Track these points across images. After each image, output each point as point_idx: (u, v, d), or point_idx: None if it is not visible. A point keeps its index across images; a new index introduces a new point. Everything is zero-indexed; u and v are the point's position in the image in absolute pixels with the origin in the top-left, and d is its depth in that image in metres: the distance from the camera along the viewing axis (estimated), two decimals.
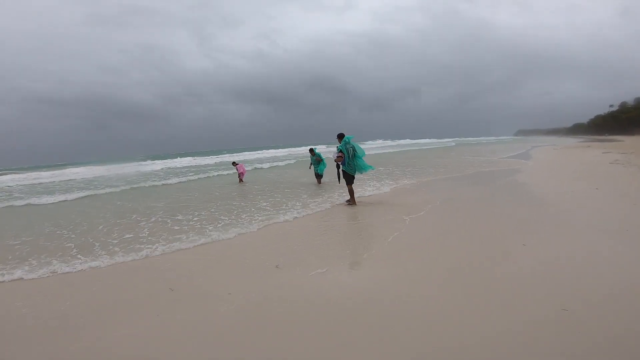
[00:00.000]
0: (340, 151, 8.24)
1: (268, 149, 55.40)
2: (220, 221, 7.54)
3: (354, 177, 8.44)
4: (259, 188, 12.45)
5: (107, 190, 14.26)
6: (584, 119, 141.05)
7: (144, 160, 39.93)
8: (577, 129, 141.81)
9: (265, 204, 9.22)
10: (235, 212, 8.39)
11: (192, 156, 45.45)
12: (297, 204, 8.95)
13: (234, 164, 14.90)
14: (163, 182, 15.98)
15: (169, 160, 34.80)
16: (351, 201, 8.42)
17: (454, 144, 60.16)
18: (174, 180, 16.44)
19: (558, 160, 19.96)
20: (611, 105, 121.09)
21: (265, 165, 23.72)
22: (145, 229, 7.22)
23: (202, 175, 17.63)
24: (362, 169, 8.28)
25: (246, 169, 15.39)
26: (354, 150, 8.14)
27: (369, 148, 46.70)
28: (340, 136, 8.47)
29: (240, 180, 13.98)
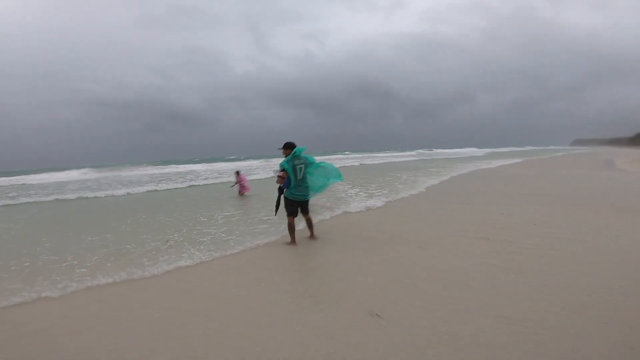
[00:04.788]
0: (283, 169, 4.80)
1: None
2: None
3: (301, 204, 5.02)
4: None
5: None
6: None
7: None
8: None
9: None
10: None
11: (235, 161, 42.55)
12: None
13: (237, 173, 11.26)
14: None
15: (215, 164, 32.20)
16: (291, 240, 5.05)
17: (562, 152, 49.52)
18: None
19: None
20: None
21: None
22: None
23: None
24: (321, 186, 4.98)
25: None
26: (306, 167, 4.94)
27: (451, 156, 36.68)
28: (288, 147, 5.00)
29: (242, 193, 10.58)
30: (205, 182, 15.88)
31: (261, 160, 38.44)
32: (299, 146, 5.03)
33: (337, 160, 34.31)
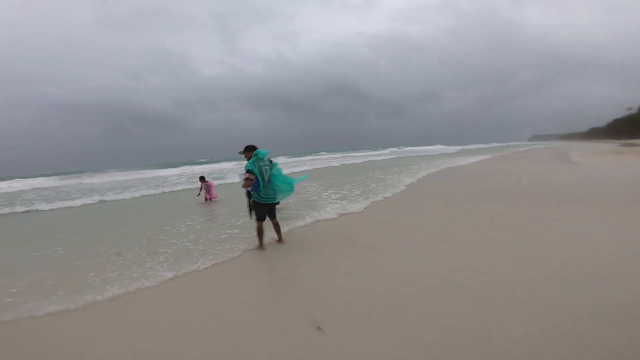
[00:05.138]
0: (250, 171, 4.55)
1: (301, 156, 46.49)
2: None
3: (269, 206, 4.84)
4: None
5: None
6: (602, 122, 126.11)
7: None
8: (594, 134, 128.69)
9: None
10: None
11: (206, 164, 40.89)
12: None
13: (202, 179, 10.29)
14: None
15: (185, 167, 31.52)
16: (259, 245, 4.83)
17: (524, 148, 52.93)
18: None
19: None
20: (629, 108, 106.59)
21: None
22: None
23: None
24: (285, 191, 4.91)
25: None
26: (271, 169, 4.80)
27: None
28: (250, 150, 4.82)
29: (209, 199, 9.83)
30: (173, 188, 14.97)
31: (234, 162, 37.44)
32: (261, 149, 4.81)
33: (313, 162, 33.91)
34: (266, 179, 4.73)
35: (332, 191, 10.15)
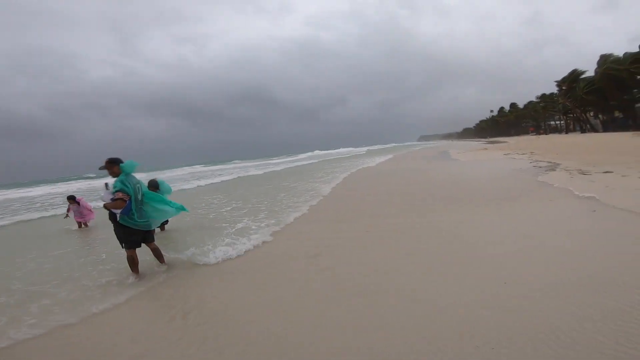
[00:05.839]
0: (120, 190, 3.81)
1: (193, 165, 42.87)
2: None
3: (145, 233, 4.17)
4: None
5: None
6: (472, 123, 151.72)
7: None
8: (466, 133, 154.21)
9: None
10: None
11: (95, 179, 35.08)
12: None
13: (71, 199, 7.97)
14: None
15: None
16: (134, 272, 4.11)
17: (419, 147, 59.67)
18: None
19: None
20: (491, 111, 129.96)
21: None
22: None
23: None
24: (159, 216, 4.25)
25: None
26: (142, 187, 4.15)
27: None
28: (114, 163, 4.01)
29: (83, 224, 7.97)
30: (44, 213, 11.76)
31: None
32: (128, 161, 4.12)
33: (223, 171, 31.96)
34: (140, 198, 4.11)
35: (237, 205, 9.24)
